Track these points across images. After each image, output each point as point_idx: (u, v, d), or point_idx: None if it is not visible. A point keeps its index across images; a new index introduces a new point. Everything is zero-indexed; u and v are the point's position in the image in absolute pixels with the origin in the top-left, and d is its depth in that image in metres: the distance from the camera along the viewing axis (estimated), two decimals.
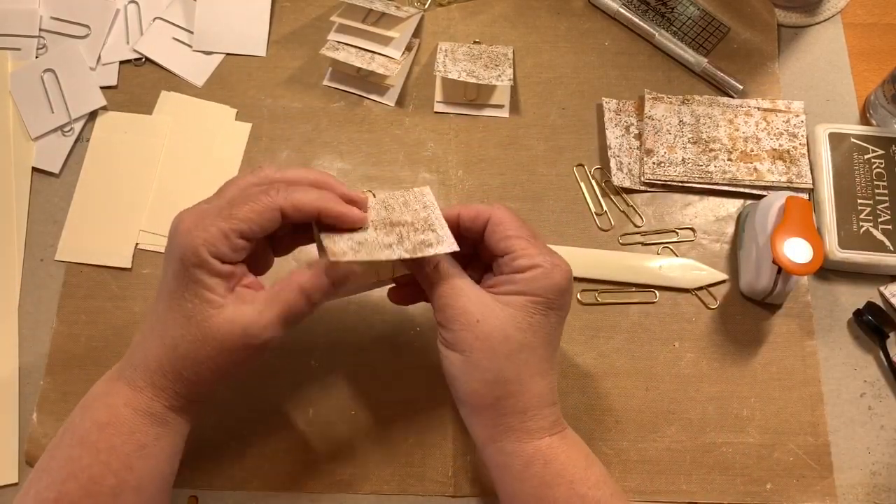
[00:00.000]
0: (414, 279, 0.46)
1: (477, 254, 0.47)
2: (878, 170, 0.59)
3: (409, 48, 0.64)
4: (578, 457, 0.42)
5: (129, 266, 0.57)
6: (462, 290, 0.42)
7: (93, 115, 0.62)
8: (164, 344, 0.40)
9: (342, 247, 0.43)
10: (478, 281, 0.45)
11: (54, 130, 0.62)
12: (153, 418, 0.41)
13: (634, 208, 0.60)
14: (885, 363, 0.55)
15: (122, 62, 0.64)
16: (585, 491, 0.41)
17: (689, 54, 0.64)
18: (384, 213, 0.45)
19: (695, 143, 0.61)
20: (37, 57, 0.64)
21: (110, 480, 0.39)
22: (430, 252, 0.43)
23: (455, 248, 0.44)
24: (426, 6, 0.67)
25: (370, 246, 0.43)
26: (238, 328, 0.39)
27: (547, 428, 0.42)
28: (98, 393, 0.42)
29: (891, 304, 0.56)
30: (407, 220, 0.45)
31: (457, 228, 0.45)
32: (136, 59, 0.65)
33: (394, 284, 0.49)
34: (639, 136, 0.62)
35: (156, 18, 0.66)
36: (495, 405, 0.42)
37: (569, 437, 0.43)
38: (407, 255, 0.43)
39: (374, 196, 0.46)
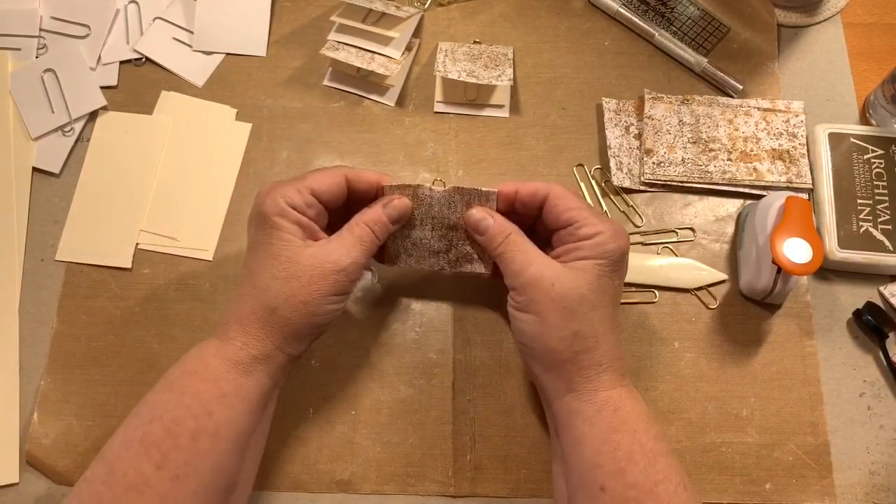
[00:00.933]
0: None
1: (531, 231, 0.50)
2: (877, 170, 0.59)
3: (409, 48, 0.64)
4: (642, 410, 0.45)
5: (129, 266, 0.57)
6: (534, 257, 0.46)
7: (93, 115, 0.62)
8: (256, 287, 0.45)
9: (397, 247, 0.51)
10: None
11: (54, 130, 0.62)
12: (238, 367, 0.44)
13: (634, 208, 0.60)
14: (885, 363, 0.55)
15: (122, 62, 0.64)
16: (646, 441, 0.43)
17: (688, 54, 0.64)
18: (446, 211, 0.49)
19: (694, 143, 0.61)
20: (37, 57, 0.64)
21: (190, 424, 0.41)
22: (467, 269, 0.51)
23: (489, 271, 0.50)
24: (426, 6, 0.67)
25: (420, 250, 0.51)
26: (322, 256, 0.45)
27: (617, 379, 0.45)
28: (193, 350, 0.45)
29: (890, 304, 0.56)
30: (463, 224, 0.50)
31: (512, 205, 0.49)
32: (136, 59, 0.65)
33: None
34: (639, 136, 0.62)
35: (156, 18, 0.66)
36: (573, 359, 0.45)
37: (633, 392, 0.46)
38: (447, 269, 0.51)
39: (444, 186, 0.49)
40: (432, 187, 0.49)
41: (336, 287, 0.45)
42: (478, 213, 0.48)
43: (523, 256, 0.46)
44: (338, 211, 0.49)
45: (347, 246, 0.46)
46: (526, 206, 0.49)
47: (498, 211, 0.49)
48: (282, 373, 0.46)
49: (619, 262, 0.46)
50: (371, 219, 0.47)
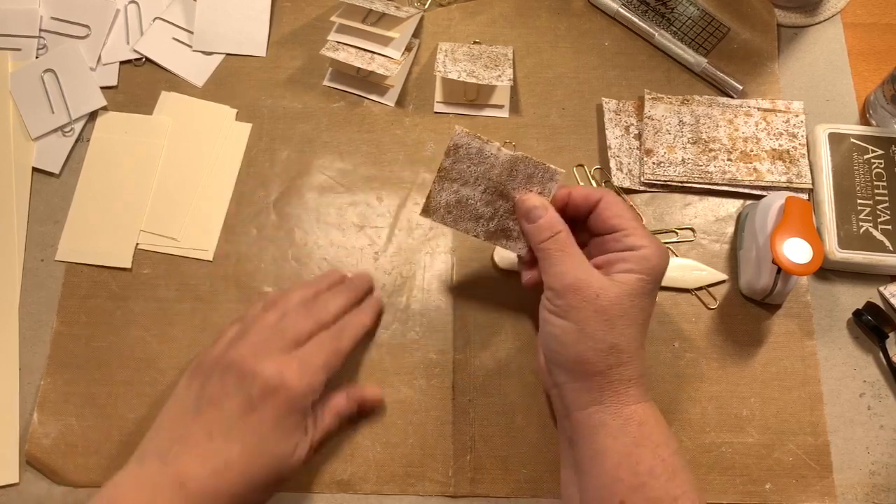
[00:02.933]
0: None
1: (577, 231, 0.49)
2: (877, 170, 0.59)
3: (409, 48, 0.64)
4: (663, 425, 0.45)
5: (129, 266, 0.57)
6: (580, 262, 0.45)
7: (93, 116, 0.62)
8: (230, 468, 0.44)
9: (441, 200, 0.49)
10: None
11: (54, 130, 0.62)
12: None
13: (634, 208, 0.60)
14: (885, 363, 0.55)
15: (122, 62, 0.64)
16: (667, 456, 0.43)
17: (688, 54, 0.64)
18: (505, 178, 0.48)
19: (694, 143, 0.61)
20: (37, 57, 0.64)
21: None
22: (503, 244, 0.49)
23: (524, 252, 0.49)
24: (426, 6, 0.67)
25: (463, 210, 0.49)
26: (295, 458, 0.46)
27: (643, 394, 0.45)
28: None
29: (890, 305, 0.56)
30: (517, 196, 0.48)
31: (564, 207, 0.48)
32: (136, 60, 0.65)
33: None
34: (638, 137, 0.62)
35: (156, 18, 0.66)
36: (605, 372, 0.44)
37: (655, 407, 0.46)
38: (482, 238, 0.49)
39: (514, 150, 0.48)
40: (501, 148, 0.48)
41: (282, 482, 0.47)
42: (534, 199, 0.47)
43: (570, 259, 0.45)
44: None
45: (313, 441, 0.48)
46: (578, 209, 0.48)
47: (553, 202, 0.48)
48: None
49: (659, 280, 0.46)
50: (343, 410, 0.51)
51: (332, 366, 0.48)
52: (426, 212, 0.50)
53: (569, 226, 0.48)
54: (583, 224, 0.49)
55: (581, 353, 0.44)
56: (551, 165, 0.48)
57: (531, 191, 0.48)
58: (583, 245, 0.48)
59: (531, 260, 0.49)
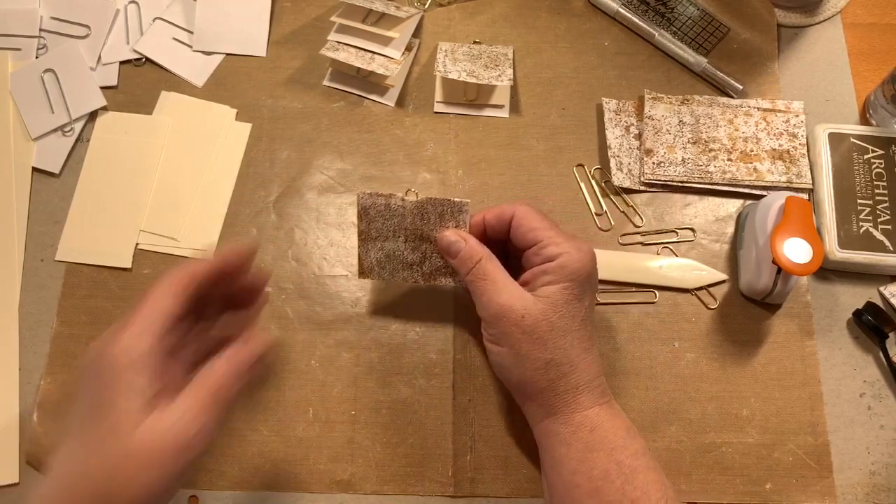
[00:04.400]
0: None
1: (505, 254, 0.50)
2: (877, 170, 0.59)
3: (409, 48, 0.64)
4: (621, 427, 0.45)
5: (129, 266, 0.57)
6: (504, 287, 0.46)
7: (93, 116, 0.62)
8: (84, 474, 0.35)
9: (371, 260, 0.51)
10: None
11: (54, 130, 0.62)
12: None
13: (634, 208, 0.60)
14: (885, 363, 0.55)
15: (122, 62, 0.64)
16: (623, 458, 0.43)
17: (688, 54, 0.64)
18: (419, 223, 0.49)
19: (694, 143, 0.61)
20: (37, 57, 0.64)
21: None
22: (442, 282, 0.51)
23: (464, 285, 0.49)
24: (426, 6, 0.67)
25: (394, 262, 0.51)
26: (165, 432, 0.35)
27: (596, 398, 0.46)
28: None
29: (890, 305, 0.56)
30: (436, 237, 0.49)
31: (483, 233, 0.49)
32: (136, 59, 0.65)
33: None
34: (639, 136, 0.62)
35: (156, 18, 0.66)
36: (550, 387, 0.45)
37: (614, 408, 0.46)
38: (422, 282, 0.51)
39: (417, 196, 0.49)
40: (404, 198, 0.49)
41: (183, 466, 0.36)
42: (451, 235, 0.48)
43: (492, 286, 0.46)
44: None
45: (194, 410, 0.36)
46: (495, 229, 0.49)
47: (470, 231, 0.49)
48: None
49: (585, 283, 0.46)
50: (228, 372, 0.38)
51: (165, 310, 0.37)
52: (362, 274, 0.52)
53: (501, 245, 0.49)
54: (508, 242, 0.49)
55: (522, 374, 0.45)
56: (456, 199, 0.48)
57: (447, 227, 0.49)
58: (517, 261, 0.49)
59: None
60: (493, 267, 0.47)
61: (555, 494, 0.45)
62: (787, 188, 0.59)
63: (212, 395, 0.37)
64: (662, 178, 0.60)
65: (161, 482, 0.35)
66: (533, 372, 0.45)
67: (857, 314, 0.56)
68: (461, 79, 0.61)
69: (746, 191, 0.60)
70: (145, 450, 0.35)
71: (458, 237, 0.48)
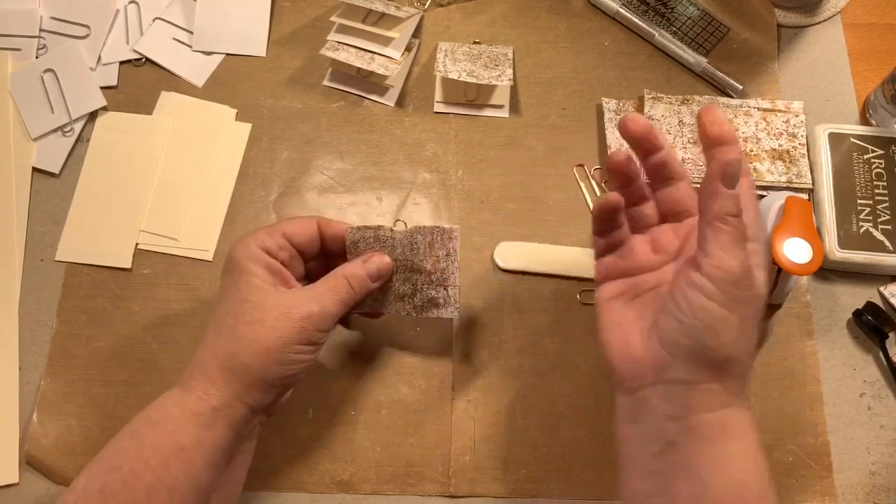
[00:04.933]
0: None
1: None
2: (877, 170, 0.59)
3: (409, 48, 0.64)
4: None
5: (129, 266, 0.57)
6: (750, 255, 0.38)
7: (93, 116, 0.62)
8: (220, 333, 0.43)
9: None
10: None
11: (54, 130, 0.62)
12: (198, 419, 0.42)
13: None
14: (885, 363, 0.55)
15: (122, 62, 0.64)
16: (762, 460, 0.39)
17: (688, 54, 0.64)
18: (409, 254, 0.48)
19: (695, 143, 0.61)
20: (37, 57, 0.64)
21: (147, 477, 0.40)
22: (434, 314, 0.49)
23: (455, 315, 0.48)
24: (426, 6, 0.67)
25: (386, 294, 0.49)
26: (290, 301, 0.43)
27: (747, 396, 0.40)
28: (159, 398, 0.44)
29: (890, 305, 0.56)
30: (426, 267, 0.48)
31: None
32: (136, 60, 0.65)
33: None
34: None
35: (156, 18, 0.66)
36: (744, 374, 0.39)
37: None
38: (414, 314, 0.50)
39: (406, 226, 0.48)
40: (393, 228, 0.48)
41: (302, 335, 0.43)
42: (734, 151, 0.37)
43: (745, 250, 0.37)
44: (313, 264, 0.49)
45: (319, 294, 0.45)
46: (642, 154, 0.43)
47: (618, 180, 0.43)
48: (245, 425, 0.44)
49: None
50: (349, 272, 0.46)
51: (292, 227, 0.46)
52: (355, 306, 0.48)
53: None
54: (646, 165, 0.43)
55: (736, 350, 0.38)
56: (446, 226, 0.48)
57: (437, 256, 0.48)
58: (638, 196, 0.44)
59: (605, 247, 0.44)
60: (749, 230, 0.39)
61: (708, 497, 0.38)
62: (787, 188, 0.59)
63: (333, 286, 0.45)
64: None
65: (285, 344, 0.42)
66: (746, 353, 0.38)
67: (857, 314, 0.56)
68: (461, 79, 0.61)
69: None
70: (273, 311, 0.43)
71: (738, 161, 0.37)
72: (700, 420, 0.38)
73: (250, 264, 0.44)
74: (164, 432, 0.41)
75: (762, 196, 0.58)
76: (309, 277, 0.49)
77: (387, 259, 0.48)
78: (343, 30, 0.63)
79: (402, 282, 0.49)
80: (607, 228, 0.44)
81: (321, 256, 0.49)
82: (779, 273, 0.52)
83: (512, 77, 0.61)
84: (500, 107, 0.63)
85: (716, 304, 0.37)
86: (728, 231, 0.37)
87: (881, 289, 0.57)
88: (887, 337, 0.55)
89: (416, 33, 0.66)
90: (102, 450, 0.42)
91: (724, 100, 0.63)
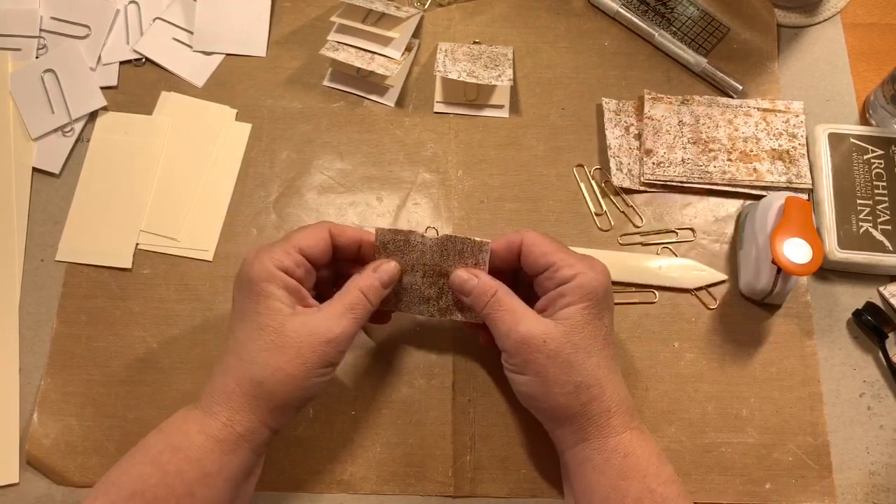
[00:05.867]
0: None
1: (515, 283, 0.49)
2: (877, 170, 0.59)
3: (409, 48, 0.64)
4: (652, 453, 0.44)
5: (129, 266, 0.57)
6: (522, 315, 0.45)
7: (93, 116, 0.62)
8: (242, 360, 0.43)
9: (388, 292, 0.49)
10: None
11: (54, 131, 0.62)
12: (222, 446, 0.42)
13: (634, 208, 0.60)
14: (885, 363, 0.55)
15: (122, 62, 0.64)
16: (656, 486, 0.43)
17: (688, 54, 0.64)
18: (438, 258, 0.49)
19: (694, 143, 0.61)
20: (37, 57, 0.64)
21: None
22: (458, 318, 0.50)
23: (478, 319, 0.48)
24: (426, 6, 0.67)
25: (411, 295, 0.50)
26: (311, 326, 0.43)
27: (627, 422, 0.44)
28: (176, 419, 0.44)
29: (890, 305, 0.56)
30: (449, 277, 0.49)
31: (492, 265, 0.48)
32: (136, 60, 0.65)
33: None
34: (638, 137, 0.62)
35: (156, 19, 0.66)
36: (582, 411, 0.44)
37: (645, 433, 0.45)
38: (437, 316, 0.50)
39: (437, 234, 0.49)
40: (424, 234, 0.48)
41: (324, 359, 0.43)
42: (463, 273, 0.48)
43: (511, 316, 0.45)
44: (324, 271, 0.49)
45: (338, 315, 0.44)
46: (504, 259, 0.48)
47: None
48: (266, 446, 0.45)
49: (603, 300, 0.45)
50: (364, 284, 0.46)
51: (307, 240, 0.46)
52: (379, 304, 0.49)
53: (512, 275, 0.49)
54: (519, 271, 0.49)
55: (552, 401, 0.44)
56: (477, 238, 0.48)
57: (466, 264, 0.48)
58: (530, 287, 0.48)
59: (483, 323, 0.48)
60: (508, 298, 0.46)
61: None
62: (787, 188, 0.59)
63: (351, 304, 0.45)
64: (662, 179, 0.60)
65: (309, 370, 0.43)
66: (564, 397, 0.43)
67: (857, 314, 0.56)
68: (461, 79, 0.61)
69: (746, 191, 0.60)
70: (296, 338, 0.43)
71: (469, 275, 0.47)
72: (566, 457, 0.46)
73: (269, 286, 0.43)
74: (187, 460, 0.41)
75: (762, 196, 0.58)
76: (317, 286, 0.49)
77: (394, 265, 0.48)
78: (343, 30, 0.63)
79: (428, 285, 0.49)
80: None
81: (332, 263, 0.49)
82: (779, 273, 0.52)
83: (512, 77, 0.61)
84: (500, 107, 0.63)
85: (512, 372, 0.46)
86: (488, 318, 0.46)
87: (881, 289, 0.57)
88: (887, 337, 0.55)
89: (416, 33, 0.66)
90: (116, 472, 0.42)
91: (724, 100, 0.63)
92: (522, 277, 0.49)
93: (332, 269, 0.50)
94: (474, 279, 0.47)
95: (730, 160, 0.60)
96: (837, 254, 0.56)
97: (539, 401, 0.45)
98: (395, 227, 0.59)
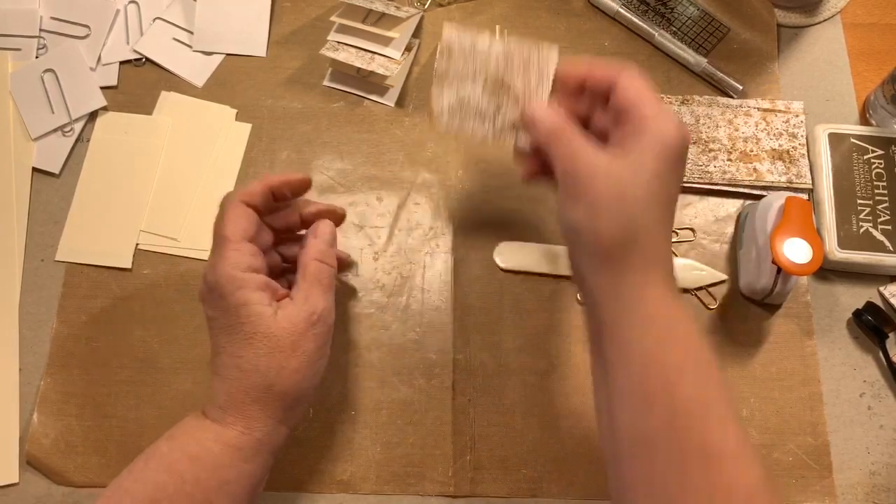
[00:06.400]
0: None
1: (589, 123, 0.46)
2: (877, 170, 0.59)
3: (409, 48, 0.64)
4: (691, 318, 0.41)
5: (129, 266, 0.57)
6: (587, 147, 0.42)
7: (93, 116, 0.62)
8: (243, 370, 0.43)
9: (443, 103, 0.48)
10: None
11: (54, 130, 0.62)
12: (241, 453, 0.42)
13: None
14: (885, 363, 0.55)
15: (122, 62, 0.64)
16: (701, 346, 0.39)
17: (688, 54, 0.64)
18: (503, 65, 0.46)
19: (694, 143, 0.61)
20: (37, 57, 0.64)
21: None
22: (510, 139, 0.47)
23: (528, 146, 0.46)
24: (426, 6, 0.67)
25: (467, 109, 0.47)
26: (293, 317, 0.43)
27: (668, 284, 0.41)
28: (187, 427, 0.43)
29: (890, 305, 0.56)
30: (517, 84, 0.46)
31: (582, 88, 0.45)
32: (136, 60, 0.65)
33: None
34: None
35: (156, 18, 0.66)
36: (624, 256, 0.40)
37: (682, 303, 0.41)
38: (490, 138, 0.47)
39: (505, 37, 0.46)
40: (493, 39, 0.46)
41: (318, 341, 0.44)
42: (536, 110, 0.44)
43: (577, 143, 0.42)
44: (269, 254, 0.48)
45: (311, 295, 0.44)
46: (597, 86, 0.44)
47: (561, 92, 0.45)
48: (281, 447, 0.45)
49: (679, 159, 0.41)
50: (314, 252, 0.46)
51: (244, 226, 0.45)
52: (431, 120, 0.48)
53: (593, 105, 0.46)
54: (605, 104, 0.45)
55: (598, 228, 0.40)
56: (545, 44, 0.45)
57: (529, 77, 0.46)
58: (604, 133, 0.45)
59: (531, 153, 0.46)
60: (573, 131, 0.43)
61: (617, 393, 0.40)
62: (787, 188, 0.59)
63: (315, 276, 0.45)
64: None
65: (307, 359, 0.43)
66: (610, 228, 0.40)
67: (857, 314, 0.56)
68: None
69: (746, 191, 0.60)
70: (286, 334, 0.43)
71: (539, 113, 0.44)
72: (603, 313, 0.41)
73: (244, 294, 0.43)
74: (205, 469, 0.41)
75: (762, 196, 0.58)
76: (270, 274, 0.47)
77: (327, 221, 0.49)
78: (343, 30, 0.63)
79: (487, 98, 0.47)
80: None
81: (273, 244, 0.49)
82: (779, 273, 0.52)
83: None
84: None
85: (565, 196, 0.42)
86: (550, 149, 0.43)
87: (881, 289, 0.57)
88: (887, 337, 0.55)
89: (416, 33, 0.66)
90: (128, 480, 0.41)
91: (724, 100, 0.63)
92: (597, 123, 0.46)
93: (273, 254, 0.50)
94: (544, 116, 0.44)
95: (730, 160, 0.60)
96: (837, 254, 0.56)
97: (585, 228, 0.41)
98: (394, 224, 0.59)
